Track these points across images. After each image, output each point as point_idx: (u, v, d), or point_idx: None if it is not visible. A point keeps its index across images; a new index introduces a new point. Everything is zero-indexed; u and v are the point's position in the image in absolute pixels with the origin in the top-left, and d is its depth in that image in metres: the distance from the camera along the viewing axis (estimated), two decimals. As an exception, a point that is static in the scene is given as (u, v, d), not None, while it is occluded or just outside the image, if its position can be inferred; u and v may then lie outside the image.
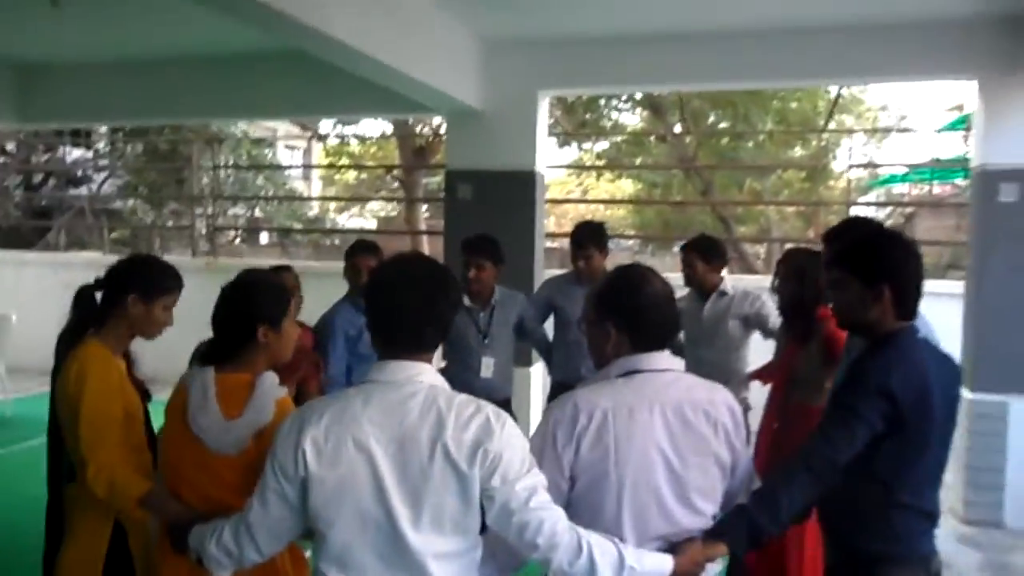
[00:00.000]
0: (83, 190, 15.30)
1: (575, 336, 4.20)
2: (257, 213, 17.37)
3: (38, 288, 9.57)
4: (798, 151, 16.07)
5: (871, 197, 18.21)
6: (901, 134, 17.96)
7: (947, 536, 5.10)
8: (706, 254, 4.06)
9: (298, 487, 1.69)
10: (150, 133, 12.33)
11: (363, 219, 23.24)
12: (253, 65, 6.35)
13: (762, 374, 3.73)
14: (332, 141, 19.66)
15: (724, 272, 4.15)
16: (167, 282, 2.50)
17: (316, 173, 25.06)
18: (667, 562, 1.79)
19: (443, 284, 1.81)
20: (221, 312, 2.19)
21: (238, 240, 16.88)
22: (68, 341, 2.49)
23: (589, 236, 4.31)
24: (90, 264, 9.93)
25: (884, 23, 5.20)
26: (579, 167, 19.88)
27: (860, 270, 2.13)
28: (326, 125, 18.17)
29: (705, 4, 5.02)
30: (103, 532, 2.35)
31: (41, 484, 5.51)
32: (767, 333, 3.90)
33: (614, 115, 17.11)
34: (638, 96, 15.26)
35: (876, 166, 16.81)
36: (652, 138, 16.42)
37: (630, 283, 1.96)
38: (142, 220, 13.79)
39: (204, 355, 2.23)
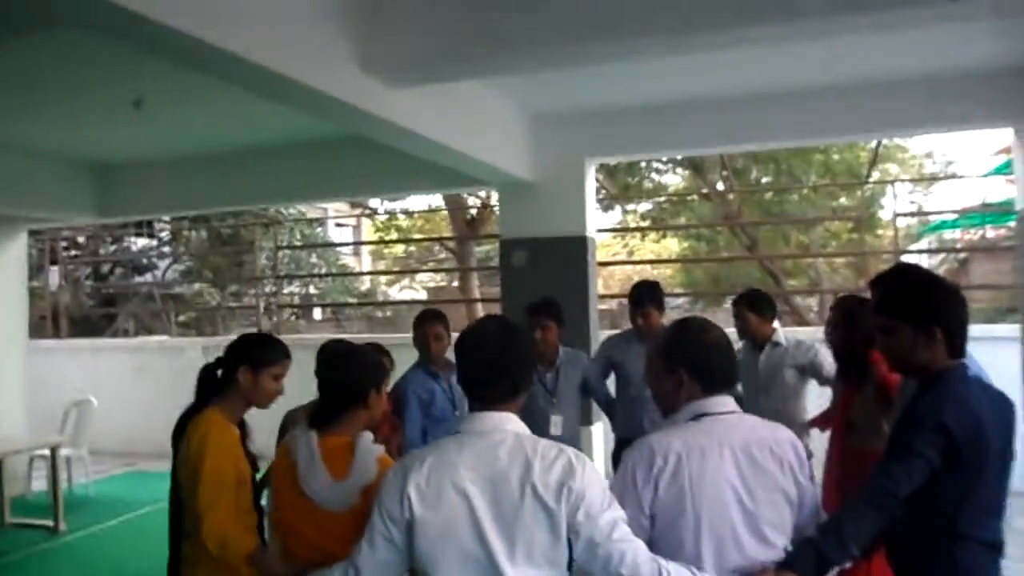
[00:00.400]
0: (148, 277, 15.99)
1: (636, 392, 4.34)
2: (312, 290, 17.89)
3: (112, 373, 10.02)
4: (843, 202, 16.05)
5: (922, 244, 18.13)
6: (948, 180, 17.92)
7: None
8: (756, 306, 4.20)
9: (404, 529, 1.87)
10: (212, 220, 12.96)
11: (413, 291, 23.76)
12: (312, 152, 6.77)
13: (820, 421, 3.83)
14: (381, 216, 20.33)
15: (776, 323, 4.27)
16: (273, 354, 2.75)
17: (366, 249, 25.81)
18: None
19: (521, 341, 2.03)
20: (330, 379, 2.41)
21: (294, 317, 17.40)
22: (191, 412, 2.75)
23: (647, 294, 4.47)
24: (159, 347, 10.40)
25: (920, 77, 5.39)
26: (625, 229, 20.18)
27: (910, 314, 2.27)
28: (374, 201, 18.83)
29: (740, 70, 5.25)
30: None
31: (127, 556, 5.74)
32: (823, 380, 4.00)
33: (655, 176, 17.46)
34: (679, 156, 15.59)
35: (924, 214, 16.74)
36: (695, 197, 16.60)
37: (695, 331, 2.14)
38: (207, 302, 14.34)
39: (311, 419, 2.44)
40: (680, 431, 2.05)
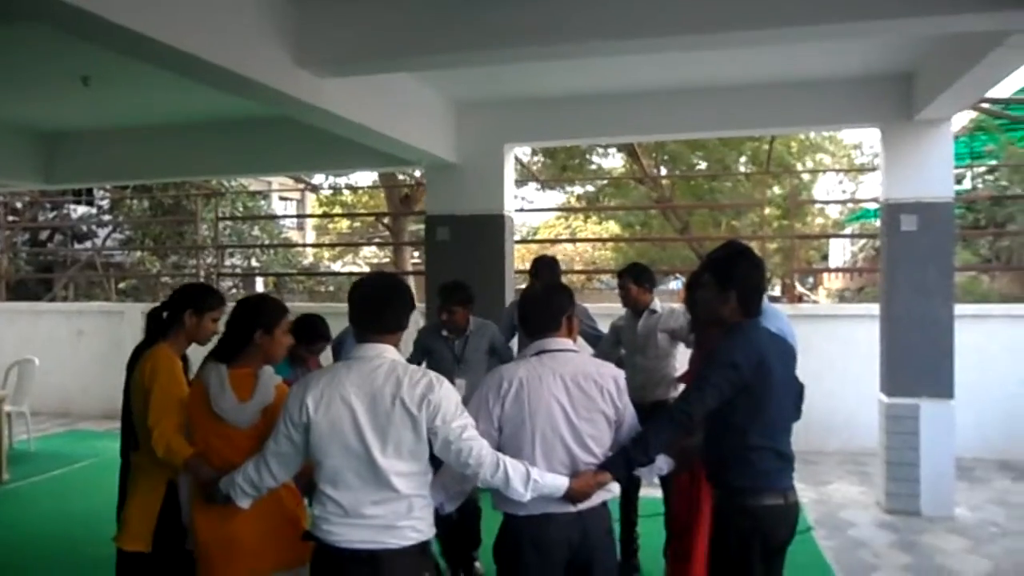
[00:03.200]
0: (87, 244, 16.08)
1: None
2: (254, 263, 18.14)
3: (52, 336, 10.30)
4: (776, 191, 16.89)
5: (847, 231, 19.19)
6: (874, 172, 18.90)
7: (869, 523, 5.82)
8: (639, 278, 4.81)
9: (301, 431, 2.47)
10: (154, 189, 13.17)
11: (356, 265, 24.14)
12: (251, 128, 7.18)
13: (687, 376, 4.48)
14: (325, 192, 20.64)
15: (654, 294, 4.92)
16: (214, 301, 3.32)
17: (310, 223, 26.03)
18: (563, 481, 2.57)
19: (397, 289, 2.64)
20: (230, 321, 2.97)
21: (235, 288, 17.67)
22: (142, 349, 3.30)
23: (550, 265, 5.12)
24: (101, 312, 10.69)
25: (807, 81, 6.05)
26: (559, 209, 20.81)
27: (717, 276, 2.90)
28: (319, 176, 19.12)
29: (646, 68, 5.83)
30: (159, 489, 3.08)
31: (68, 501, 6.16)
32: (688, 343, 4.65)
33: (597, 159, 18.12)
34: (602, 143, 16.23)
35: (844, 202, 17.76)
36: (631, 181, 17.27)
37: (523, 293, 2.87)
38: (148, 270, 14.56)
39: (215, 354, 2.96)
40: (525, 363, 2.70)
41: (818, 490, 6.70)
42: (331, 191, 20.41)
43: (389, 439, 2.40)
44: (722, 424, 2.84)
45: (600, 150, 17.30)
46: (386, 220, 15.80)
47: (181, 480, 2.99)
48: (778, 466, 2.84)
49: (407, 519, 2.44)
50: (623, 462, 2.70)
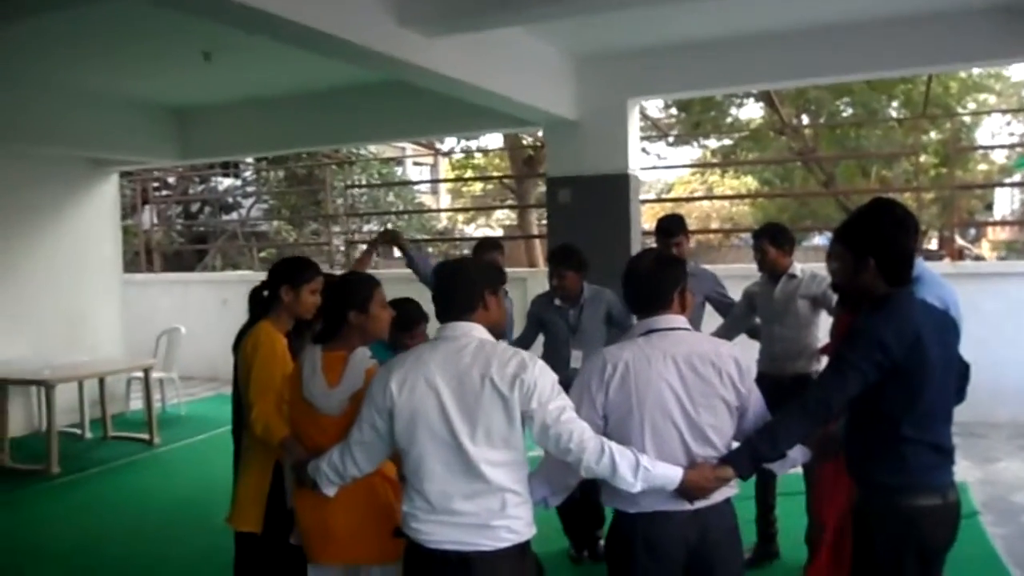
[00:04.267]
0: (234, 215, 16.84)
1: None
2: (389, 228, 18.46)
3: (201, 305, 10.81)
4: (934, 135, 15.47)
5: (1016, 178, 17.36)
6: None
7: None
8: (776, 239, 4.36)
9: (386, 417, 2.29)
10: (289, 160, 13.53)
11: (489, 228, 24.19)
12: (371, 94, 7.10)
13: (827, 348, 4.04)
14: (457, 156, 20.69)
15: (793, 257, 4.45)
16: (308, 273, 3.20)
17: (444, 187, 26.29)
18: (677, 472, 2.26)
19: (479, 270, 2.48)
20: (323, 304, 2.87)
21: (379, 255, 18.05)
22: (246, 329, 3.26)
23: (678, 225, 4.73)
24: (243, 281, 11.09)
25: (963, 8, 5.30)
26: (694, 165, 19.93)
27: (851, 243, 2.49)
28: (450, 141, 19.15)
29: (783, 4, 5.30)
30: (267, 470, 3.02)
31: (213, 465, 6.39)
32: (830, 311, 4.19)
33: (734, 111, 17.18)
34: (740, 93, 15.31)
35: (1011, 147, 16.06)
36: (771, 132, 16.29)
37: (629, 263, 2.54)
38: (285, 240, 15.09)
39: (315, 336, 2.87)
40: (631, 344, 2.39)
41: (984, 469, 6.03)
42: (463, 155, 20.42)
43: (479, 424, 2.20)
44: (868, 412, 2.45)
45: (737, 100, 16.41)
46: (511, 183, 15.62)
47: (285, 462, 2.91)
48: (936, 461, 2.43)
49: (501, 517, 2.23)
50: (748, 456, 2.36)
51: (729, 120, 17.27)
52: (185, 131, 8.24)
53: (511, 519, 2.24)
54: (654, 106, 18.26)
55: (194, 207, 17.19)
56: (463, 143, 18.92)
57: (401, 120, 7.33)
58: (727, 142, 18.08)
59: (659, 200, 16.60)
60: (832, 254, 2.61)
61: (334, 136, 7.90)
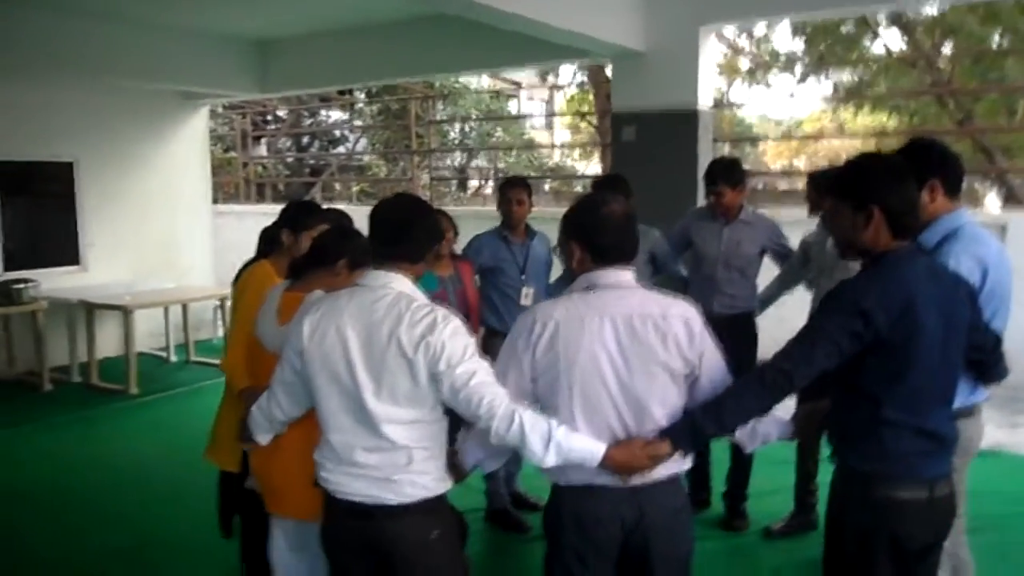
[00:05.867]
0: (341, 149, 17.12)
1: (708, 271, 4.29)
2: (500, 165, 18.23)
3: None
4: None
5: None
6: None
7: None
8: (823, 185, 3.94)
9: (300, 358, 2.19)
10: (383, 94, 13.49)
11: (600, 166, 23.61)
12: (442, 26, 6.86)
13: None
14: (571, 90, 20.06)
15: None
16: (310, 219, 3.06)
17: (559, 122, 25.74)
18: (599, 447, 2.03)
19: (418, 214, 2.23)
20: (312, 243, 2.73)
21: (485, 189, 17.96)
22: (248, 266, 3.24)
23: (721, 172, 4.32)
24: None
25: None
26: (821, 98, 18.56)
27: (847, 193, 2.15)
28: (566, 74, 18.52)
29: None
30: (238, 409, 2.95)
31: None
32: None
33: (867, 43, 15.86)
34: (882, 17, 14.04)
35: None
36: (902, 62, 14.94)
37: (593, 204, 2.19)
38: (376, 174, 15.22)
39: (288, 272, 2.76)
40: (566, 300, 2.14)
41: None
42: (579, 88, 19.77)
43: (383, 381, 2.08)
44: (848, 388, 2.15)
45: (870, 30, 15.10)
46: (593, 120, 15.03)
47: None
48: (923, 447, 2.11)
49: (404, 472, 2.12)
50: (688, 431, 2.09)
51: (858, 53, 15.96)
52: (265, 63, 8.32)
53: (416, 474, 2.13)
54: (782, 38, 17.16)
55: (304, 140, 17.58)
56: (578, 76, 18.32)
57: (466, 53, 7.06)
58: (864, 76, 16.74)
59: (787, 139, 15.61)
60: (829, 213, 2.26)
61: (405, 68, 7.73)
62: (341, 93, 15.96)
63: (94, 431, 6.10)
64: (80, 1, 6.49)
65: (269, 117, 16.39)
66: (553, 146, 20.85)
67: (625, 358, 2.07)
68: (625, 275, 2.15)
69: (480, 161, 18.69)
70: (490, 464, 2.30)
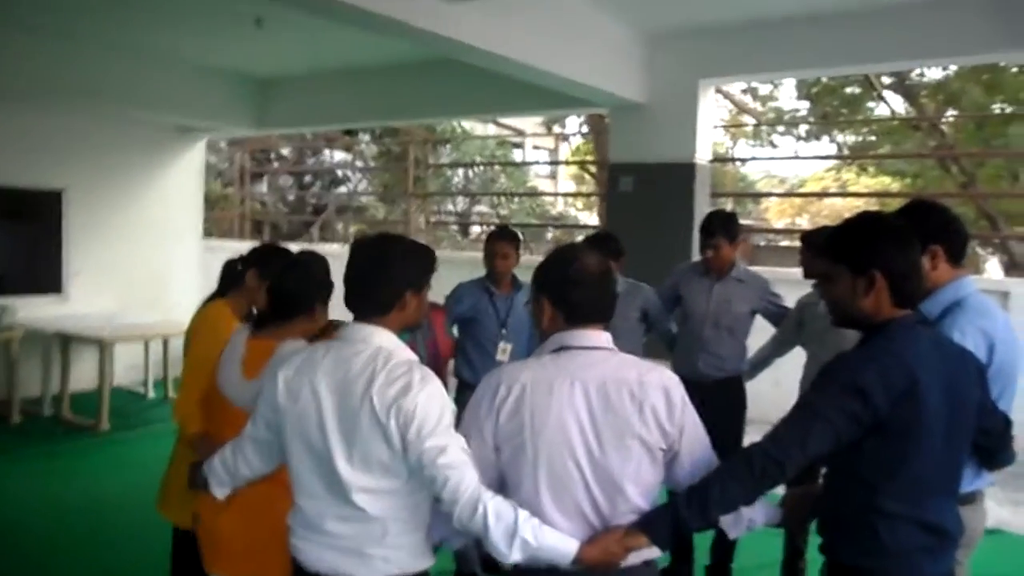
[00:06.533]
0: (343, 190, 17.07)
1: (695, 330, 4.12)
2: (502, 212, 18.12)
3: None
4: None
5: None
6: None
7: None
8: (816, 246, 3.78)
9: (276, 414, 2.01)
10: (385, 136, 13.46)
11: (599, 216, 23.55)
12: (439, 70, 6.80)
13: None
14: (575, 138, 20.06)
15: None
16: (278, 263, 2.86)
17: (563, 171, 25.74)
18: (570, 545, 1.81)
19: (405, 263, 2.02)
20: (276, 287, 2.53)
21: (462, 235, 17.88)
22: (205, 302, 3.05)
23: (719, 225, 4.16)
24: (327, 255, 11.17)
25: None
26: (806, 157, 18.59)
27: (846, 255, 1.98)
28: (572, 124, 18.49)
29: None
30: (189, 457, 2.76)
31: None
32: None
33: (871, 105, 15.91)
34: (886, 80, 14.09)
35: None
36: (906, 126, 14.96)
37: (563, 259, 2.00)
38: (374, 216, 15.12)
39: (255, 321, 2.58)
40: (536, 362, 1.95)
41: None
42: (583, 138, 19.79)
43: (355, 446, 1.89)
44: (842, 473, 1.96)
45: (874, 93, 15.16)
46: (593, 169, 14.95)
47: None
48: (923, 543, 1.90)
49: (380, 546, 1.92)
50: (668, 523, 1.85)
51: (863, 114, 16.05)
52: (264, 100, 8.26)
53: (391, 548, 1.93)
54: (788, 98, 17.25)
55: (307, 179, 17.52)
56: (583, 126, 18.34)
57: (466, 97, 6.99)
58: (866, 138, 16.77)
59: (789, 195, 15.56)
60: (824, 278, 2.08)
61: (405, 111, 7.64)
62: (347, 134, 15.99)
63: (57, 466, 5.85)
64: (78, 28, 6.43)
65: (272, 155, 16.37)
66: (555, 194, 20.79)
67: (597, 429, 1.86)
68: (601, 336, 1.96)
69: (482, 207, 18.61)
70: (455, 541, 2.08)
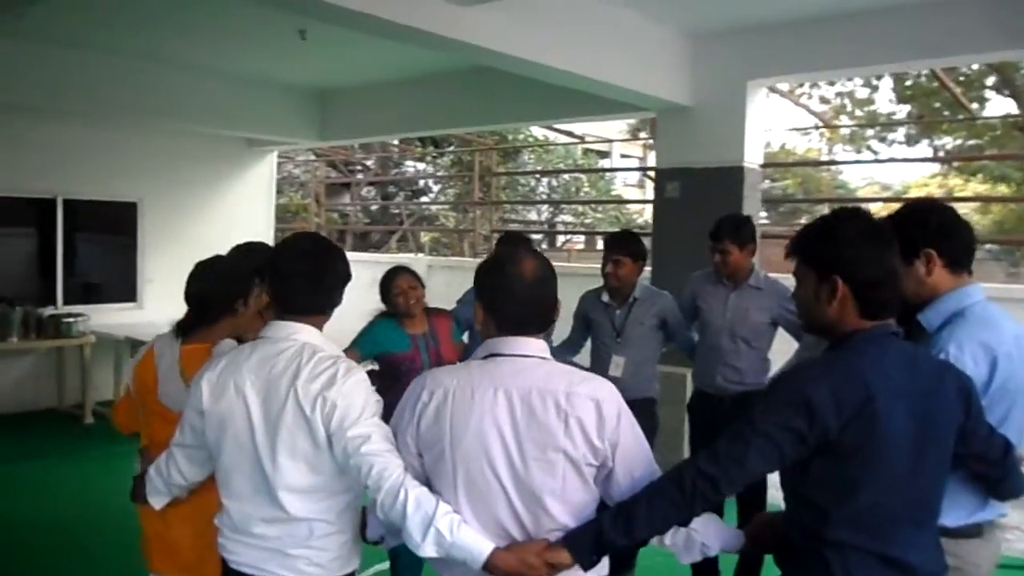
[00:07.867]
0: (425, 199, 17.30)
1: (712, 340, 3.94)
2: (587, 220, 17.99)
3: (354, 283, 11.15)
4: None
5: None
6: None
7: None
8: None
9: (202, 419, 2.01)
10: (451, 144, 13.55)
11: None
12: (489, 79, 6.72)
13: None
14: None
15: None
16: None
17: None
18: (485, 546, 1.73)
19: (325, 259, 2.02)
20: (191, 291, 2.46)
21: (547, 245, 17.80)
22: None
23: (727, 229, 3.95)
24: (395, 263, 11.30)
25: None
26: (892, 160, 17.69)
27: (812, 257, 1.82)
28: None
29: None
30: None
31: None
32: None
33: (976, 105, 15.03)
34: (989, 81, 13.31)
35: None
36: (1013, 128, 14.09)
37: (496, 266, 1.91)
38: (444, 225, 15.24)
39: (177, 329, 2.46)
40: (464, 368, 1.87)
41: None
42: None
43: (280, 443, 1.90)
44: (794, 497, 1.79)
45: (978, 95, 14.34)
46: (651, 174, 14.61)
47: None
48: None
49: (303, 547, 1.93)
50: (592, 540, 1.73)
51: (966, 117, 15.19)
52: (324, 112, 8.43)
53: (315, 550, 1.94)
54: (886, 101, 16.52)
55: (390, 189, 17.84)
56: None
57: (519, 104, 6.94)
58: (972, 141, 15.88)
59: (890, 200, 14.84)
60: (795, 277, 1.92)
61: (459, 119, 7.65)
62: (422, 143, 16.21)
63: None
64: (151, 48, 6.71)
65: (358, 167, 16.74)
66: (626, 201, 20.41)
67: (519, 440, 1.75)
68: (534, 344, 1.85)
69: (567, 216, 18.49)
70: (393, 540, 2.01)
